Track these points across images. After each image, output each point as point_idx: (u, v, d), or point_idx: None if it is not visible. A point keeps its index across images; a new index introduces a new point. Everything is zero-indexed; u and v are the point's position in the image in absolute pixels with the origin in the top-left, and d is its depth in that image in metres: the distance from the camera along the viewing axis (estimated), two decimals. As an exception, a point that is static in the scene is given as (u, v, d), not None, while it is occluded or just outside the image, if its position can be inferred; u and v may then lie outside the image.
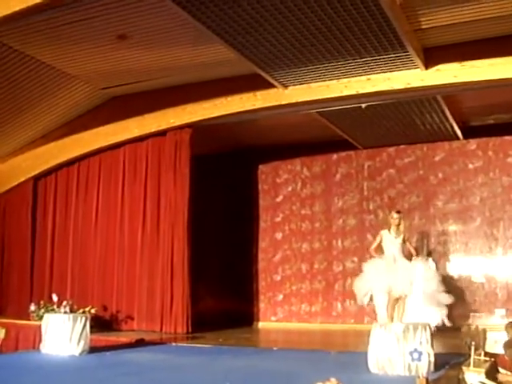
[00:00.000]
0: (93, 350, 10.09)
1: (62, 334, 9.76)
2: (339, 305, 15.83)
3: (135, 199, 13.72)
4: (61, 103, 13.09)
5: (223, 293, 16.03)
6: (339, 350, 10.52)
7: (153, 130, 13.48)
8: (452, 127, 14.25)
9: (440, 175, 15.38)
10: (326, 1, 8.65)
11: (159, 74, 12.30)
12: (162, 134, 13.55)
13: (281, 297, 16.42)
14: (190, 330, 12.87)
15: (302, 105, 12.32)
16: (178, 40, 10.59)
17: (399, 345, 7.65)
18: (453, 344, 9.75)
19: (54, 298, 11.20)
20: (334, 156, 16.43)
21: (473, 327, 8.24)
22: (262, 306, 16.57)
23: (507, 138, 14.86)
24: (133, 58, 11.40)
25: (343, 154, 16.33)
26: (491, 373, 8.29)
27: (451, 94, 12.31)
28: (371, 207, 15.92)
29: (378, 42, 10.05)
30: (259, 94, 12.33)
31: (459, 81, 11.15)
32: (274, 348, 11.29)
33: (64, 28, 9.95)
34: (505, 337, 8.89)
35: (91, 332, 10.20)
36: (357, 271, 15.48)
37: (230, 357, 9.92)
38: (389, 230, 10.75)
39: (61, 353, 9.66)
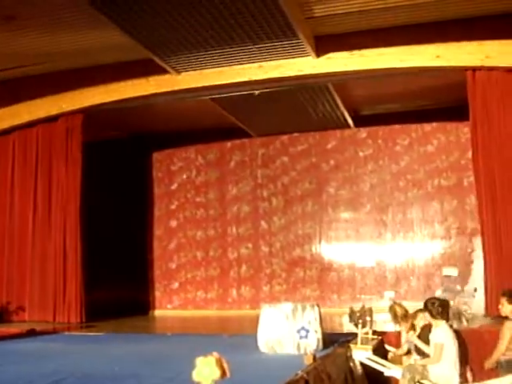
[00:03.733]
0: (-20, 341, 9.82)
1: None
2: (234, 291, 15.97)
3: (26, 185, 13.35)
4: None
5: (118, 282, 15.85)
6: (233, 333, 10.62)
7: (43, 116, 13.18)
8: (343, 116, 14.57)
9: (332, 162, 15.72)
10: (218, -14, 8.71)
11: (50, 58, 11.95)
12: (53, 119, 13.26)
13: (176, 284, 16.41)
14: (84, 319, 12.69)
15: (195, 91, 12.34)
16: (69, 23, 10.31)
17: (288, 324, 7.79)
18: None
19: None
20: (229, 144, 16.52)
21: (359, 307, 8.52)
22: (157, 294, 16.50)
23: (396, 126, 15.37)
24: (22, 41, 11.01)
25: (237, 141, 16.43)
26: (378, 350, 8.64)
27: (342, 82, 12.60)
28: (265, 194, 16.10)
29: (270, 28, 10.16)
30: (152, 79, 12.26)
31: (349, 69, 11.46)
32: (169, 334, 11.29)
33: None
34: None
35: (-22, 324, 9.92)
36: (252, 258, 15.89)
37: (122, 343, 9.84)
38: None
39: None
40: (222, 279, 16.12)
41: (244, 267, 15.98)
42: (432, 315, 7.89)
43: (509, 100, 10.95)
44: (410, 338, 8.40)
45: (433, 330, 7.86)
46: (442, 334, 7.74)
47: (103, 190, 15.17)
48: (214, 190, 16.46)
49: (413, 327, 8.55)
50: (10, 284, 13.27)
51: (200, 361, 4.10)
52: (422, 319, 8.37)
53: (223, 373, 4.14)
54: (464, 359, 8.26)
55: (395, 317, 8.97)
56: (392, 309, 9.07)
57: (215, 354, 4.10)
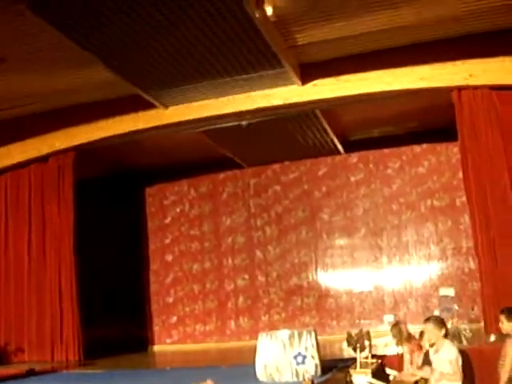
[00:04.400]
0: (-21, 384, 9.75)
1: None
2: (233, 323, 15.89)
3: (19, 226, 13.31)
4: None
5: (116, 318, 15.77)
6: (232, 364, 10.56)
7: (34, 156, 13.19)
8: (333, 142, 14.63)
9: (324, 189, 15.74)
10: (202, 20, 8.78)
11: (40, 98, 12.02)
12: (44, 159, 13.29)
13: (174, 319, 16.30)
14: (82, 357, 12.59)
15: (183, 124, 12.39)
16: (58, 62, 10.38)
17: (285, 351, 7.76)
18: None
19: None
20: (221, 175, 16.56)
21: (357, 331, 8.47)
22: (156, 329, 16.39)
23: (386, 150, 15.42)
24: (12, 82, 11.07)
25: (229, 173, 16.46)
26: (378, 373, 8.57)
27: (329, 108, 12.64)
28: (259, 224, 16.09)
29: (255, 59, 10.24)
30: (141, 114, 12.33)
31: (335, 95, 11.54)
32: (168, 368, 11.23)
33: None
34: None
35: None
36: (249, 288, 15.84)
37: (122, 380, 9.79)
38: None
39: None
40: (220, 311, 16.03)
41: (241, 298, 15.92)
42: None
43: (495, 117, 11.01)
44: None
45: (441, 348, 7.75)
46: (453, 350, 7.65)
47: (97, 228, 15.15)
48: (208, 223, 16.44)
49: (420, 348, 8.44)
50: (7, 325, 13.16)
51: (194, 389, 4.10)
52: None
53: (218, 400, 4.13)
54: (468, 378, 8.18)
55: (400, 337, 8.84)
56: (396, 328, 8.96)
57: (209, 381, 4.10)
